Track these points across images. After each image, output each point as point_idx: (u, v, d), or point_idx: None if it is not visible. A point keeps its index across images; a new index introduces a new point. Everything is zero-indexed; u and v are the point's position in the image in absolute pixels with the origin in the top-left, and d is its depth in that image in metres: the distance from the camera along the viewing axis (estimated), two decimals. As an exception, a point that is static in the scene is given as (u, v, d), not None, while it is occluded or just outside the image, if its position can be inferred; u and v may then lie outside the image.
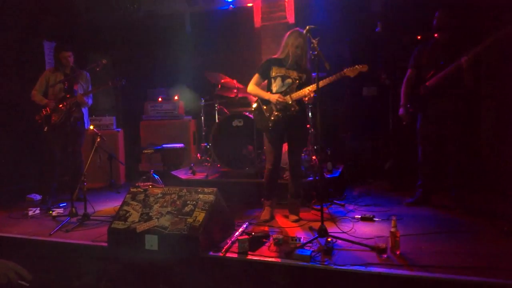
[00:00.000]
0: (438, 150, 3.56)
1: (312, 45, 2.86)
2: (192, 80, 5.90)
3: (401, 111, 3.66)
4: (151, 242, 2.65)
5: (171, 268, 2.63)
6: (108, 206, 4.03)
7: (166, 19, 6.04)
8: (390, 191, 4.36)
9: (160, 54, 6.11)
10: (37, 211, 3.84)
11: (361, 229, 3.01)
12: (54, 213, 3.76)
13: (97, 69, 3.92)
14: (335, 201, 3.83)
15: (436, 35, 3.49)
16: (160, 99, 5.90)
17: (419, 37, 4.38)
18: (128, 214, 2.86)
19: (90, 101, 4.23)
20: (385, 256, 2.42)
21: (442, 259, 2.36)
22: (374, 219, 3.25)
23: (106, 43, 5.87)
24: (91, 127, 4.49)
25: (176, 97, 5.90)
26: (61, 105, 3.99)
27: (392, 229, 2.50)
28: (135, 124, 5.86)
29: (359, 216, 3.31)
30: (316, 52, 2.82)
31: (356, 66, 3.00)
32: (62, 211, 3.82)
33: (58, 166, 4.19)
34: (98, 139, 4.12)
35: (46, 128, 4.01)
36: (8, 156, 4.28)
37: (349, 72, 3.00)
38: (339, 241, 2.68)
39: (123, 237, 2.75)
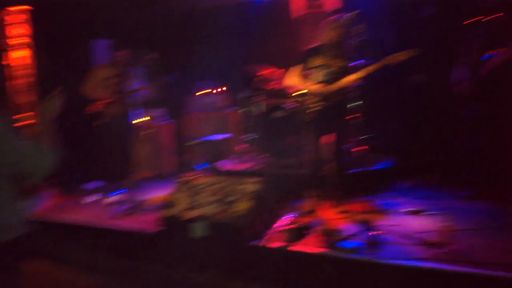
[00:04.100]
0: (494, 141, 3.31)
1: (356, 31, 2.77)
2: (234, 72, 5.95)
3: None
4: (198, 230, 2.76)
5: (218, 256, 2.72)
6: (158, 194, 4.22)
7: (208, 12, 6.13)
8: (443, 183, 4.14)
9: (203, 48, 6.22)
10: (94, 199, 4.13)
11: (410, 223, 2.90)
12: (109, 201, 4.02)
13: (145, 65, 4.09)
14: (382, 194, 3.71)
15: (490, 18, 3.21)
16: (204, 92, 6.04)
17: (473, 21, 4.05)
18: (176, 202, 2.99)
19: (144, 95, 4.40)
20: (436, 251, 2.31)
21: (497, 256, 2.21)
22: (425, 212, 3.11)
23: (153, 38, 6.08)
24: (142, 119, 4.71)
25: (219, 90, 6.00)
26: (113, 100, 4.21)
27: (444, 224, 2.38)
28: (183, 116, 6.05)
29: (409, 209, 3.19)
30: (360, 39, 2.73)
31: (404, 51, 2.86)
32: (116, 199, 4.07)
33: (114, 156, 4.45)
34: (149, 131, 4.33)
35: (99, 121, 4.26)
36: (70, 146, 4.61)
37: (395, 58, 2.86)
38: (387, 234, 2.60)
39: (173, 223, 2.88)
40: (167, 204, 3.01)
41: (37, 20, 4.64)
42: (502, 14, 3.18)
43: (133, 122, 4.49)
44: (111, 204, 3.92)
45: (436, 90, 4.45)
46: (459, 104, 3.46)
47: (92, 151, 5.05)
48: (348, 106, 3.59)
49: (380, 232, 2.58)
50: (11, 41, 4.37)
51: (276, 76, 4.82)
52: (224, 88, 6.01)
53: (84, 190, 4.60)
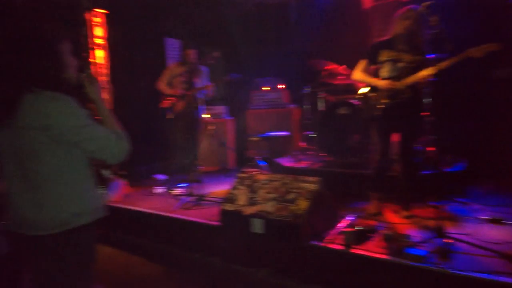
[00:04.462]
0: None
1: (430, 23, 2.56)
2: (296, 68, 5.88)
3: None
4: (257, 225, 2.78)
5: (275, 253, 2.72)
6: (220, 188, 4.35)
7: (272, 8, 6.13)
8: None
9: (265, 44, 6.25)
10: (161, 190, 4.39)
11: (487, 232, 2.63)
12: (175, 192, 4.23)
13: (211, 62, 4.23)
14: (456, 199, 3.42)
15: None
16: (265, 88, 6.07)
17: None
18: (236, 197, 3.05)
19: (210, 93, 4.57)
20: (519, 266, 2.07)
21: None
22: (505, 221, 2.80)
23: (218, 36, 6.25)
24: (206, 116, 4.89)
25: (280, 86, 5.98)
26: (183, 96, 4.42)
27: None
28: (244, 112, 6.15)
29: (486, 217, 2.89)
30: (435, 31, 2.51)
31: (485, 45, 2.57)
32: (181, 191, 4.27)
33: (180, 150, 4.68)
34: (211, 127, 4.48)
35: (170, 115, 4.52)
36: (139, 140, 4.94)
37: (475, 52, 2.58)
38: (460, 244, 2.39)
39: (232, 218, 2.95)
40: (227, 198, 3.08)
41: (113, 23, 5.03)
42: None
43: (200, 117, 4.68)
44: (176, 196, 4.12)
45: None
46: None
47: (161, 144, 5.37)
48: (419, 103, 3.35)
49: (452, 240, 2.37)
50: (90, 41, 4.80)
51: (342, 71, 4.67)
52: (286, 85, 5.98)
53: (151, 181, 4.91)
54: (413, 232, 2.67)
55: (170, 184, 4.57)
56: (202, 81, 4.56)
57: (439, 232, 2.38)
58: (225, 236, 3.01)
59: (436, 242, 2.37)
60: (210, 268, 3.00)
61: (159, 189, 4.38)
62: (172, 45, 6.10)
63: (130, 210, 3.76)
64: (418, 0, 2.86)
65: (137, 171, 5.18)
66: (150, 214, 3.57)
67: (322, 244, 2.54)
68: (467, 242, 2.39)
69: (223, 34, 6.28)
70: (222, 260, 3.00)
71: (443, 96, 3.30)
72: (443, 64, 2.65)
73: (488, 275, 1.99)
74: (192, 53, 4.48)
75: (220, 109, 5.95)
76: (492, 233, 2.61)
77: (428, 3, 2.61)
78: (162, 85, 4.59)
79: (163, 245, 3.42)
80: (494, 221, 2.81)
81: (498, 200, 3.40)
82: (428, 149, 3.92)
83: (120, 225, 3.77)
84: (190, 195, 3.87)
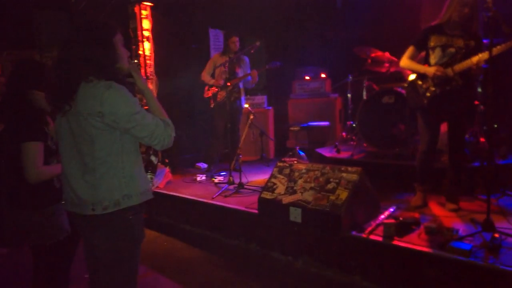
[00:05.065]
0: None
1: (485, 4, 2.38)
2: (340, 56, 5.74)
3: None
4: (295, 214, 2.79)
5: (313, 242, 2.72)
6: (259, 177, 4.40)
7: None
8: None
9: (309, 32, 6.14)
10: (203, 177, 4.53)
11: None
12: (216, 180, 4.35)
13: (252, 51, 4.25)
14: (507, 192, 3.20)
15: None
16: (307, 77, 5.99)
17: None
18: (275, 186, 3.08)
19: (255, 80, 4.60)
20: None
21: None
22: None
23: (260, 24, 6.23)
24: (246, 105, 4.94)
25: (323, 75, 5.88)
26: (225, 86, 4.48)
27: None
28: (284, 102, 6.14)
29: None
30: (490, 13, 2.34)
31: None
32: (222, 179, 4.38)
33: (221, 139, 4.78)
34: (252, 117, 4.53)
35: (212, 104, 4.64)
36: (183, 130, 5.11)
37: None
38: (510, 239, 2.24)
39: (271, 206, 2.98)
40: (266, 187, 3.11)
41: (157, 15, 5.20)
42: None
43: (241, 107, 4.75)
44: (217, 183, 4.23)
45: None
46: None
47: (203, 133, 5.52)
48: (470, 91, 3.14)
49: (501, 235, 2.24)
50: (138, 33, 5.00)
51: (389, 58, 4.49)
52: (328, 74, 5.87)
53: (196, 169, 5.07)
54: (459, 226, 2.55)
55: (211, 172, 4.70)
56: (244, 71, 4.61)
57: (488, 226, 2.26)
58: (263, 224, 3.05)
59: (484, 237, 2.25)
60: (248, 254, 3.07)
61: (201, 177, 4.52)
62: (215, 36, 6.20)
63: (173, 196, 3.93)
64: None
65: (181, 159, 5.38)
66: (192, 200, 3.71)
67: (363, 235, 2.51)
68: (520, 239, 2.24)
69: (265, 23, 6.26)
70: (261, 247, 3.06)
71: (497, 84, 3.07)
72: (498, 49, 2.47)
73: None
74: (235, 41, 4.53)
75: (261, 98, 5.98)
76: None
77: (482, -16, 2.43)
78: (206, 76, 4.71)
79: (204, 231, 3.54)
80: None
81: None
82: (480, 140, 3.69)
83: (164, 210, 3.96)
84: (230, 183, 3.96)
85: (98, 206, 1.46)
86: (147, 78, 5.01)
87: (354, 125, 4.85)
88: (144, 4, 5.04)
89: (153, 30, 5.13)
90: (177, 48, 5.53)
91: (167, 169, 4.53)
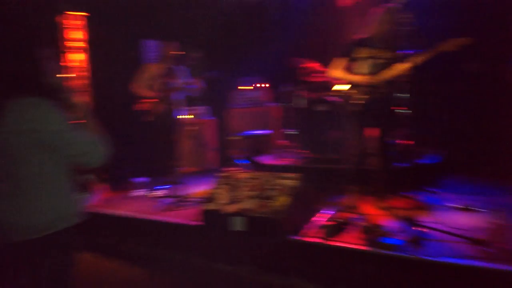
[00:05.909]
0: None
1: (406, 19, 2.65)
2: (277, 67, 5.95)
3: None
4: (239, 224, 2.82)
5: (257, 249, 2.76)
6: (201, 189, 4.35)
7: (253, 6, 6.15)
8: (497, 178, 3.85)
9: (246, 42, 6.27)
10: (142, 192, 4.36)
11: (458, 220, 2.74)
12: (155, 194, 4.21)
13: (192, 63, 4.22)
14: (429, 189, 3.54)
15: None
16: (246, 87, 6.10)
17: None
18: (218, 197, 3.07)
19: (189, 92, 4.54)
20: (487, 249, 2.17)
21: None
22: (476, 209, 2.93)
23: (198, 35, 6.22)
24: (186, 116, 4.88)
25: (261, 85, 6.04)
26: (161, 97, 4.38)
27: (497, 221, 2.23)
28: (225, 112, 6.17)
29: (457, 206, 3.02)
30: (410, 27, 2.60)
31: (456, 39, 2.68)
32: (162, 193, 4.25)
33: (161, 152, 4.63)
34: (193, 128, 4.49)
35: (148, 118, 4.47)
36: (120, 144, 4.90)
37: (448, 47, 2.69)
38: (432, 232, 2.48)
39: (215, 217, 2.97)
40: (208, 198, 3.10)
41: (93, 25, 4.97)
42: None
43: (178, 118, 4.66)
44: (157, 198, 4.11)
45: (490, 80, 4.14)
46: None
47: (140, 146, 5.32)
48: (394, 98, 3.45)
49: (424, 228, 2.47)
50: (69, 44, 4.72)
51: (319, 68, 4.75)
52: (266, 83, 6.03)
53: (132, 184, 4.87)
54: (389, 223, 2.76)
55: (151, 186, 4.55)
56: (181, 81, 4.55)
57: (413, 222, 2.48)
58: (207, 235, 3.03)
59: (410, 231, 2.47)
60: (192, 269, 3.02)
61: (140, 192, 4.35)
62: (151, 47, 6.06)
63: (110, 214, 3.73)
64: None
65: (117, 175, 5.13)
66: (131, 217, 3.56)
67: (302, 238, 2.60)
68: (439, 230, 2.48)
69: (203, 34, 6.27)
70: (205, 259, 3.02)
71: (419, 91, 3.41)
72: (418, 59, 2.75)
73: (459, 260, 2.09)
74: (173, 49, 4.42)
75: (201, 109, 5.96)
76: (462, 221, 2.72)
77: (403, 0, 2.69)
78: (139, 87, 4.52)
79: (145, 248, 3.41)
80: (464, 209, 2.94)
81: (468, 189, 3.54)
82: (404, 142, 4.04)
83: (101, 230, 3.74)
84: (170, 196, 3.87)
85: (25, 232, 1.36)
86: (80, 91, 4.73)
87: (292, 133, 5.04)
88: (76, 14, 4.78)
89: (88, 40, 4.88)
90: (113, 59, 5.31)
91: (103, 186, 4.30)
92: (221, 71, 4.60)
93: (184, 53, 4.54)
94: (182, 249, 3.16)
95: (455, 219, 2.75)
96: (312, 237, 2.60)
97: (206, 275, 2.91)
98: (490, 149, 4.21)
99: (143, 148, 5.03)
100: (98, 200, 4.04)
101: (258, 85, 6.07)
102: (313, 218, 2.92)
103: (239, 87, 6.18)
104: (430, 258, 2.14)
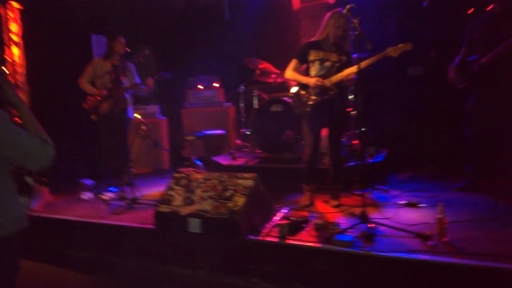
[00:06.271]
0: (490, 133, 3.32)
1: (353, 25, 2.76)
2: (231, 67, 5.93)
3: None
4: (194, 225, 2.75)
5: (214, 251, 2.72)
6: (154, 190, 4.22)
7: (205, 6, 6.08)
8: (438, 175, 4.16)
9: (199, 42, 6.19)
10: (90, 195, 4.12)
11: (405, 215, 2.91)
12: (105, 197, 4.00)
13: (141, 60, 4.06)
14: (377, 187, 3.73)
15: (489, 8, 3.21)
16: (200, 86, 6.01)
17: (470, 12, 4.04)
18: (172, 198, 2.99)
19: (141, 90, 4.36)
20: (431, 243, 2.33)
21: (492, 247, 2.23)
22: (420, 205, 3.13)
23: (148, 33, 6.03)
24: (136, 115, 4.68)
25: (215, 84, 5.98)
26: (109, 95, 4.16)
27: (439, 215, 2.39)
28: (178, 111, 6.03)
29: (404, 202, 3.20)
30: (357, 32, 2.72)
31: (400, 45, 2.84)
32: (112, 195, 4.05)
33: (108, 153, 4.43)
34: (143, 127, 4.32)
35: (94, 117, 4.22)
36: (63, 144, 4.60)
37: (392, 51, 2.85)
38: (382, 227, 2.61)
39: (168, 220, 2.88)
40: (162, 200, 3.00)
41: (30, 19, 4.59)
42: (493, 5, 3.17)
43: (130, 117, 4.47)
44: (108, 200, 3.91)
45: (432, 82, 4.46)
46: (456, 95, 3.47)
47: (89, 147, 5.03)
48: (345, 100, 3.59)
49: (375, 224, 2.59)
50: (7, 37, 4.33)
51: (274, 70, 4.80)
52: (220, 83, 5.99)
53: (80, 186, 4.59)
54: (341, 220, 2.86)
55: (99, 189, 4.32)
56: (131, 80, 4.36)
57: (364, 218, 2.59)
58: (161, 239, 2.93)
59: (361, 228, 2.57)
60: (146, 273, 2.91)
61: (87, 195, 4.11)
62: (99, 41, 5.75)
63: (55, 219, 3.48)
64: (342, 3, 3.07)
65: (62, 177, 4.81)
66: (77, 222, 3.34)
67: (259, 238, 2.61)
68: (388, 226, 2.62)
69: (154, 30, 6.08)
70: (159, 263, 2.92)
71: (365, 93, 3.57)
72: (364, 63, 2.87)
73: (406, 254, 2.21)
74: (121, 43, 4.21)
75: (153, 108, 5.76)
76: (409, 216, 2.89)
77: (351, 6, 2.80)
78: (85, 83, 4.27)
79: (93, 254, 3.22)
80: (411, 205, 3.13)
81: (413, 186, 3.78)
82: (353, 142, 4.22)
83: (44, 236, 3.47)
84: (121, 199, 3.70)
85: None
86: (17, 87, 4.35)
87: (247, 132, 5.05)
88: (10, 5, 4.38)
89: (25, 34, 4.50)
90: (54, 54, 4.95)
91: (46, 189, 4.00)
92: (173, 69, 4.48)
93: (133, 50, 4.35)
94: (135, 253, 3.03)
95: (402, 215, 2.92)
96: (269, 237, 2.61)
97: (161, 280, 2.81)
98: (432, 147, 4.53)
99: (91, 148, 4.75)
100: (40, 204, 3.75)
101: (212, 84, 6.00)
102: (270, 218, 2.94)
103: (192, 87, 6.07)
104: (379, 253, 2.25)
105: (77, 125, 5.09)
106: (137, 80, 4.34)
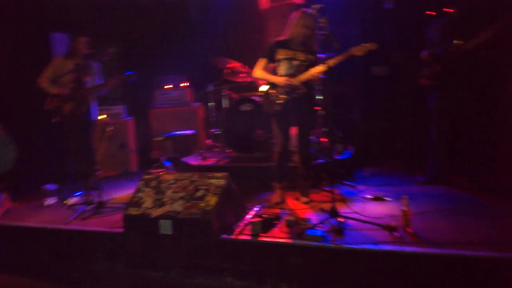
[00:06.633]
0: (450, 128, 3.51)
1: (320, 24, 2.82)
2: (199, 66, 5.88)
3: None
4: (165, 227, 2.71)
5: (187, 252, 2.69)
6: (122, 193, 4.11)
7: (171, 5, 5.99)
8: (402, 170, 4.34)
9: (167, 41, 6.08)
10: (53, 201, 3.95)
11: (372, 209, 3.02)
12: (70, 202, 3.84)
13: (105, 59, 3.93)
14: (345, 182, 3.84)
15: (448, 10, 3.39)
16: (168, 86, 5.92)
17: (430, 13, 4.25)
18: (142, 201, 2.92)
19: (106, 90, 4.23)
20: (397, 234, 2.43)
21: (453, 236, 2.37)
22: (385, 198, 3.26)
23: (113, 32, 5.87)
24: (102, 116, 4.54)
25: (184, 84, 5.91)
26: (72, 96, 4.00)
27: (404, 208, 2.50)
28: (145, 112, 5.90)
29: (370, 196, 3.32)
30: (324, 32, 2.78)
31: (364, 44, 2.94)
32: (77, 200, 3.90)
33: (72, 156, 4.26)
34: (109, 128, 4.19)
35: (56, 118, 4.04)
36: (24, 147, 4.37)
37: (357, 50, 2.93)
38: (350, 221, 2.70)
39: (138, 223, 2.82)
40: (131, 203, 2.93)
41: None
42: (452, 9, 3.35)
43: (94, 119, 4.32)
44: (73, 205, 3.76)
45: (396, 81, 4.65)
46: (417, 95, 3.64)
47: (52, 150, 4.81)
48: (313, 98, 3.66)
49: (344, 219, 2.67)
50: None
51: (243, 69, 4.81)
52: (189, 83, 5.92)
53: (43, 192, 4.38)
54: (312, 216, 2.93)
55: (64, 193, 4.15)
56: (95, 79, 4.21)
57: (333, 213, 2.66)
58: (131, 242, 2.86)
59: (331, 222, 2.64)
60: (116, 278, 2.83)
61: (50, 200, 3.93)
62: (61, 40, 5.51)
63: (15, 226, 3.30)
64: (309, 3, 3.13)
65: (24, 182, 4.58)
66: (40, 229, 3.20)
67: (232, 237, 2.61)
68: (356, 219, 2.71)
69: (119, 30, 5.91)
70: (130, 267, 2.85)
71: (332, 92, 3.66)
72: (331, 62, 2.95)
73: (374, 245, 2.30)
74: (83, 42, 4.06)
75: (119, 109, 5.60)
76: (376, 209, 3.01)
77: (318, 6, 2.86)
78: (45, 83, 4.08)
79: (60, 261, 3.09)
80: (377, 199, 3.25)
81: (379, 180, 3.93)
82: (323, 139, 4.31)
83: (4, 245, 3.29)
84: (87, 203, 3.57)
85: None
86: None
87: (217, 132, 5.03)
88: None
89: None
90: (13, 54, 4.69)
91: (4, 195, 3.79)
92: (140, 69, 4.36)
93: (97, 48, 4.21)
94: (104, 258, 2.94)
95: (369, 209, 3.03)
96: (242, 235, 2.62)
97: (132, 283, 2.75)
98: (395, 143, 4.72)
99: (54, 152, 4.55)
100: (1, 211, 3.55)
101: (180, 84, 5.92)
102: (242, 216, 2.95)
103: (160, 86, 5.97)
104: (348, 246, 2.32)
105: (39, 128, 4.87)
106: (101, 80, 4.20)
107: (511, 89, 4.25)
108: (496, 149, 4.20)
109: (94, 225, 3.13)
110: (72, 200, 3.89)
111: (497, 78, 4.27)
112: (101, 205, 3.51)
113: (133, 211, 2.87)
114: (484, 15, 3.30)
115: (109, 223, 3.10)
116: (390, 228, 2.49)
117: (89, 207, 3.53)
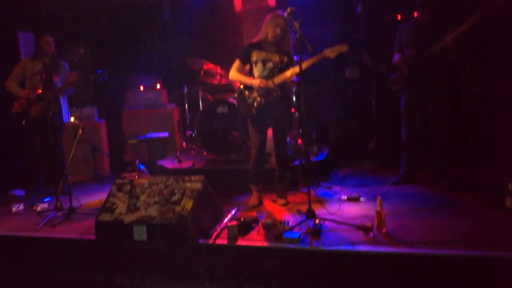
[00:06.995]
0: (421, 129, 3.62)
1: (293, 27, 2.84)
2: (174, 68, 5.79)
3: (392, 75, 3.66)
4: (140, 233, 2.64)
5: (161, 258, 2.63)
6: (94, 199, 3.98)
7: (144, 5, 5.87)
8: (375, 171, 4.44)
9: (140, 42, 5.96)
10: (21, 207, 3.77)
11: (347, 210, 3.07)
12: (38, 208, 3.69)
13: (75, 59, 3.81)
14: (321, 184, 3.88)
15: (416, 14, 3.50)
16: (142, 87, 5.79)
17: (399, 17, 4.38)
18: (115, 206, 2.84)
19: (70, 91, 4.10)
20: (372, 234, 2.48)
21: (426, 235, 2.43)
22: (360, 199, 3.31)
23: (84, 31, 5.69)
24: (72, 119, 4.38)
25: (158, 85, 5.80)
26: (39, 98, 3.85)
27: (378, 208, 2.55)
28: (117, 114, 5.75)
29: (345, 197, 3.37)
30: (297, 35, 2.80)
31: (336, 46, 2.98)
32: (46, 206, 3.75)
33: (41, 160, 4.10)
34: (80, 131, 4.05)
35: (24, 121, 3.88)
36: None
37: (329, 53, 2.97)
38: (327, 223, 2.72)
39: (111, 229, 2.73)
40: (104, 208, 2.84)
41: None
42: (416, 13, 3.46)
43: (64, 121, 4.16)
44: (42, 212, 3.60)
45: (368, 83, 4.75)
46: (390, 95, 3.73)
47: (19, 154, 4.60)
48: (288, 100, 3.68)
49: (321, 220, 2.69)
50: None
51: (219, 71, 4.77)
52: (162, 84, 5.81)
53: (11, 197, 4.17)
54: (289, 218, 2.93)
55: (32, 199, 3.97)
56: (64, 80, 4.07)
57: (310, 215, 2.68)
58: (103, 249, 2.77)
59: (308, 224, 2.66)
60: (89, 287, 2.73)
61: (17, 207, 3.75)
62: (27, 39, 5.28)
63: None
64: (283, 6, 3.14)
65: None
66: (7, 236, 3.04)
67: (209, 241, 2.57)
68: (333, 220, 2.74)
69: (90, 29, 5.73)
70: (102, 275, 2.76)
71: (306, 94, 3.70)
72: (304, 64, 2.97)
73: (350, 246, 2.33)
74: (48, 41, 3.91)
75: (90, 111, 5.42)
76: (351, 210, 3.06)
77: (291, 8, 2.88)
78: (12, 86, 3.92)
79: (26, 271, 2.94)
80: (352, 200, 3.30)
81: (353, 181, 4.00)
82: (298, 141, 4.34)
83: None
84: (57, 209, 3.43)
85: None
86: None
87: (193, 135, 4.96)
88: None
89: None
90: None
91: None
92: (112, 69, 4.24)
93: (66, 48, 4.07)
94: (74, 267, 2.82)
95: (345, 209, 3.07)
96: (219, 239, 2.59)
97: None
98: (368, 144, 4.83)
99: (21, 156, 4.35)
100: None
101: (154, 85, 5.81)
102: (219, 220, 2.92)
103: (133, 87, 5.83)
104: (325, 248, 2.34)
105: (6, 131, 4.65)
106: (71, 80, 4.06)
107: (478, 88, 4.45)
108: (467, 146, 4.38)
109: (64, 232, 3.01)
110: (41, 206, 3.73)
111: (463, 78, 4.46)
112: (71, 211, 3.38)
113: (106, 217, 2.78)
114: (449, 17, 3.43)
115: (81, 230, 2.99)
116: (365, 229, 2.53)
117: (59, 213, 3.40)
